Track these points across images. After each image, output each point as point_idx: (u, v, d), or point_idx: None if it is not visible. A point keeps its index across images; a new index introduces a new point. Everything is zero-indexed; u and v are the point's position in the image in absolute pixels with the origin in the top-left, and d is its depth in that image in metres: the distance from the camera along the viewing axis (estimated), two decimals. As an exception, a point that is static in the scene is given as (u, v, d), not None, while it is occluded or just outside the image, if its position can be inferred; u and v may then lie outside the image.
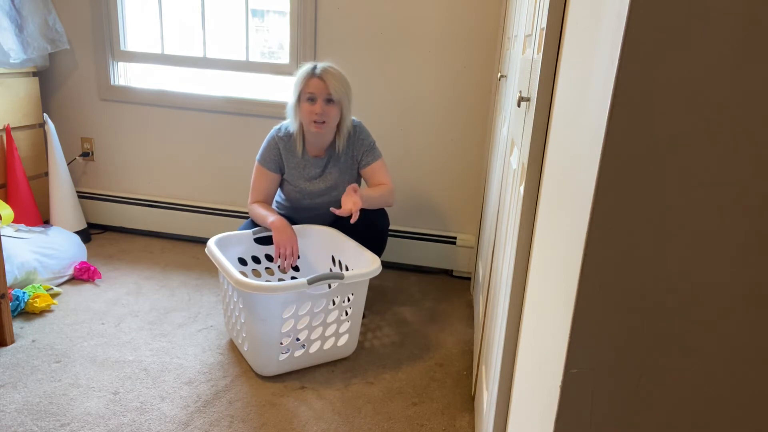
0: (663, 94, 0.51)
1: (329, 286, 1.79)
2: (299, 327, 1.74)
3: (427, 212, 2.64)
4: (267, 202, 2.13)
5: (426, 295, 2.44)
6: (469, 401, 1.72)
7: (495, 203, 1.69)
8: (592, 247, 0.55)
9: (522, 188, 1.00)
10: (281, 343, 1.74)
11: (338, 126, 2.04)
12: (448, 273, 2.68)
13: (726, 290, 0.54)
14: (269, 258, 2.13)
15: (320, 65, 1.99)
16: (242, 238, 2.03)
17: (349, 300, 1.85)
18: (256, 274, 2.13)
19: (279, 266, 1.96)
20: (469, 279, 2.64)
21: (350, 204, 1.88)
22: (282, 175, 2.13)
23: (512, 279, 1.02)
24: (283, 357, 1.76)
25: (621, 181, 0.53)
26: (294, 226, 2.08)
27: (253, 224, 2.11)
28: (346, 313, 1.84)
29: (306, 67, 2.00)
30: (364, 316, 2.19)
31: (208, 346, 1.93)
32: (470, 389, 1.78)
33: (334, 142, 2.08)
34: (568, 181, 0.68)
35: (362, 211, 2.04)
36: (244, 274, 2.07)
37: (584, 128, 0.62)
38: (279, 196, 2.22)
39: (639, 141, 0.52)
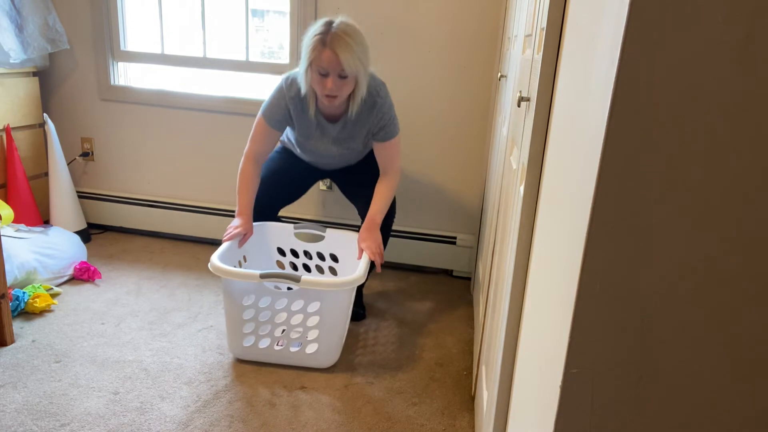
0: (663, 93, 0.51)
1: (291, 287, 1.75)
2: (261, 320, 1.77)
3: (427, 212, 2.64)
4: (261, 159, 2.03)
5: (426, 295, 2.44)
6: (469, 401, 1.72)
7: (495, 203, 1.69)
8: (592, 247, 0.55)
9: (522, 188, 1.00)
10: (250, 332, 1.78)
11: (353, 92, 1.89)
12: (448, 273, 2.68)
13: (727, 290, 0.54)
14: (308, 254, 2.16)
15: (334, 27, 1.77)
16: (284, 230, 2.11)
17: (319, 308, 1.75)
18: (293, 266, 2.19)
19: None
20: (469, 279, 2.64)
21: (371, 253, 1.91)
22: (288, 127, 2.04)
23: (512, 279, 1.02)
24: (247, 344, 1.80)
25: (621, 181, 0.53)
26: (313, 230, 2.09)
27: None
28: (316, 321, 1.76)
29: (317, 28, 1.79)
30: (363, 318, 2.19)
31: (208, 346, 1.93)
32: (470, 389, 1.78)
33: (348, 106, 1.95)
34: (568, 181, 0.68)
35: (367, 204, 2.06)
36: (280, 264, 2.17)
37: (584, 128, 0.62)
38: (286, 136, 2.14)
39: (639, 141, 0.52)
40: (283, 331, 1.80)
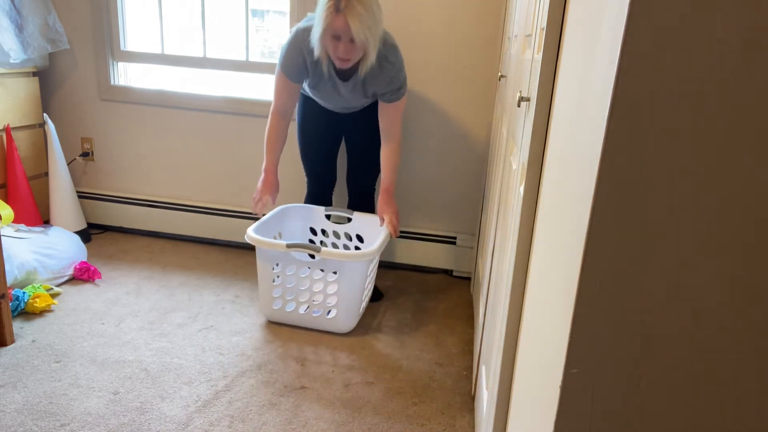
0: (663, 94, 0.51)
1: (313, 257, 1.96)
2: (287, 285, 2.02)
3: (427, 212, 2.64)
4: (287, 112, 2.13)
5: (426, 295, 2.44)
6: (469, 401, 1.72)
7: (495, 203, 1.69)
8: (592, 247, 0.55)
9: (522, 188, 1.00)
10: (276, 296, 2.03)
11: (362, 58, 1.95)
12: (448, 273, 2.68)
13: (727, 289, 0.54)
14: (336, 234, 2.37)
15: None
16: (316, 212, 2.35)
17: (337, 277, 1.97)
18: (323, 245, 2.40)
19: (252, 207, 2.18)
20: (469, 279, 2.64)
21: (389, 222, 2.12)
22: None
23: (512, 279, 1.02)
24: (276, 307, 2.05)
25: (621, 182, 0.53)
26: (342, 213, 2.28)
27: (313, 198, 2.35)
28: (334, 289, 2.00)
29: None
30: (380, 297, 2.36)
31: (208, 346, 1.93)
32: (470, 389, 1.78)
33: (359, 67, 2.00)
34: (568, 181, 0.68)
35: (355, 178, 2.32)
36: (312, 240, 2.40)
37: (584, 128, 0.62)
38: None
39: (639, 141, 0.52)
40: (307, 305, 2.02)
